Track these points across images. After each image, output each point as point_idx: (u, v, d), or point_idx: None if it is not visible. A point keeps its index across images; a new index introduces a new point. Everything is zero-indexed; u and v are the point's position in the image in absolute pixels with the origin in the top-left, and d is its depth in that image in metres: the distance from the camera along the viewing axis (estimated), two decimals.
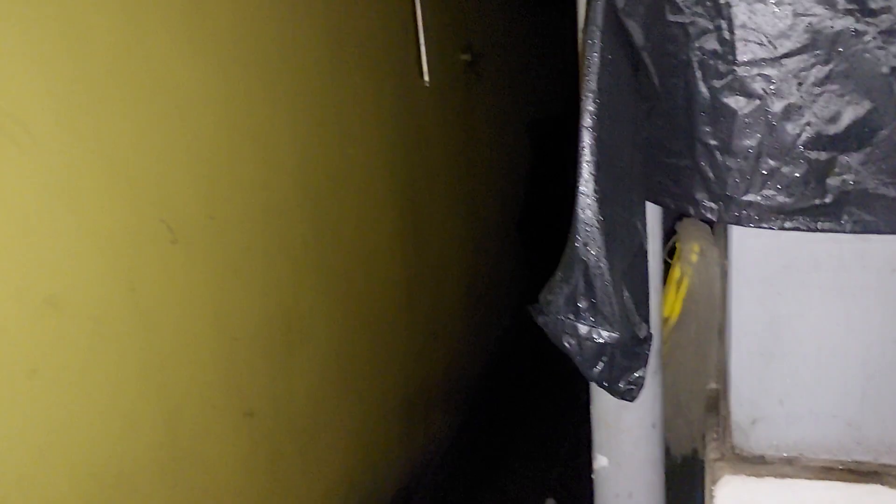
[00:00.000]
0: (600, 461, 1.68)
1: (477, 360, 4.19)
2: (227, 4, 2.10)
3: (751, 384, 1.38)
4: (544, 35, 5.01)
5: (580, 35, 1.26)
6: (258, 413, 2.28)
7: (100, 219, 1.70)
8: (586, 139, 1.16)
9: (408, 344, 3.32)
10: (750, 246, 1.30)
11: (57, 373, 1.60)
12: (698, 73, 1.12)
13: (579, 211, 1.18)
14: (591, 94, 1.14)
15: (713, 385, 1.78)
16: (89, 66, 1.67)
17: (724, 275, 1.48)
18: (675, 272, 1.78)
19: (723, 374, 1.54)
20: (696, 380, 1.83)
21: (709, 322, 1.77)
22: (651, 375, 1.53)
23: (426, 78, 1.83)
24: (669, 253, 1.77)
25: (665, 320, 1.75)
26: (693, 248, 1.76)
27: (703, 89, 1.12)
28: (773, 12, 1.05)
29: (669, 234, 1.78)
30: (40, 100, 1.56)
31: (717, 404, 1.65)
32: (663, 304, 1.69)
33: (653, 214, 1.47)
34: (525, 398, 4.39)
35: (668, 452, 1.81)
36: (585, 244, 1.18)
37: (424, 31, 1.76)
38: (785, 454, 1.39)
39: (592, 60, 1.13)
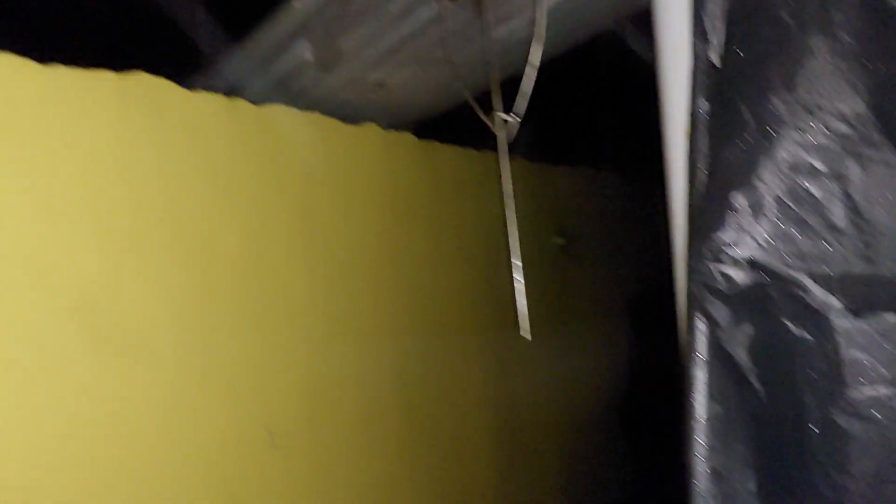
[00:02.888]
0: None
1: None
2: (336, 216, 2.27)
3: None
4: (639, 208, 5.10)
5: (684, 363, 1.28)
6: None
7: (204, 430, 1.78)
8: (699, 468, 1.15)
9: None
10: None
11: None
12: (808, 394, 1.09)
13: None
14: (699, 424, 1.15)
15: None
16: (210, 284, 1.82)
17: None
18: None
19: None
20: None
21: None
22: None
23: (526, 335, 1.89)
24: None
25: None
26: None
27: (815, 410, 1.09)
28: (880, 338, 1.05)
29: None
30: (163, 319, 1.70)
31: None
32: None
33: None
34: None
35: None
36: None
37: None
38: None
39: (698, 391, 1.14)
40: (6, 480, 1.39)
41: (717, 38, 1.20)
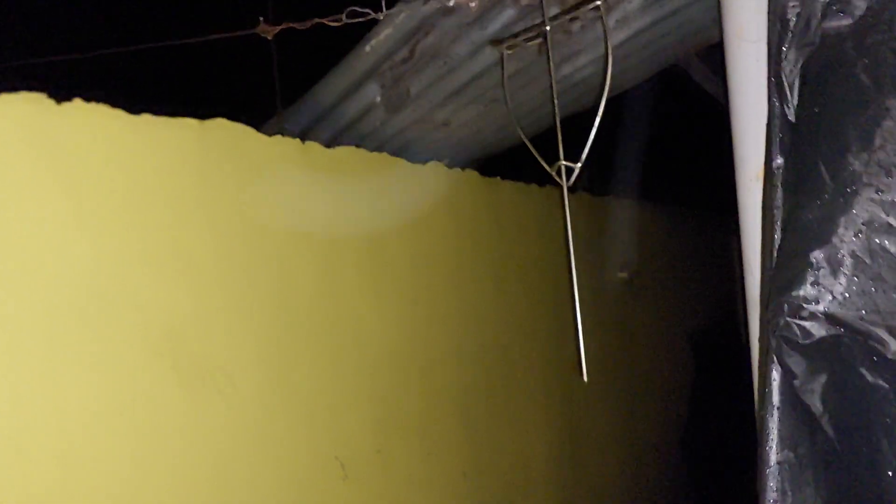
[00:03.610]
0: None
1: None
2: (404, 253, 2.33)
3: None
4: (705, 244, 5.04)
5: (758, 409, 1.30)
6: None
7: (284, 462, 1.84)
8: None
9: None
10: None
11: None
12: (885, 440, 1.09)
13: None
14: (772, 469, 1.16)
15: None
16: (288, 320, 1.89)
17: None
18: None
19: None
20: None
21: None
22: None
23: (585, 377, 1.91)
24: None
25: None
26: None
27: (891, 455, 1.09)
28: None
29: None
30: (246, 355, 1.77)
31: None
32: None
33: None
34: None
35: None
36: None
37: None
38: None
39: (771, 437, 1.16)
40: (105, 502, 1.46)
41: (793, 94, 1.23)
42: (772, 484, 1.16)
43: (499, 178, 2.95)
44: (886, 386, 1.07)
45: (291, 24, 1.70)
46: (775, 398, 1.16)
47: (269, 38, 1.71)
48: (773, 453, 1.16)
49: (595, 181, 4.43)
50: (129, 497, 1.51)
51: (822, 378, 1.14)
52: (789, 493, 1.17)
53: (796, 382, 1.16)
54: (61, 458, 1.40)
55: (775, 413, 1.16)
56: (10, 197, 1.39)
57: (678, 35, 2.42)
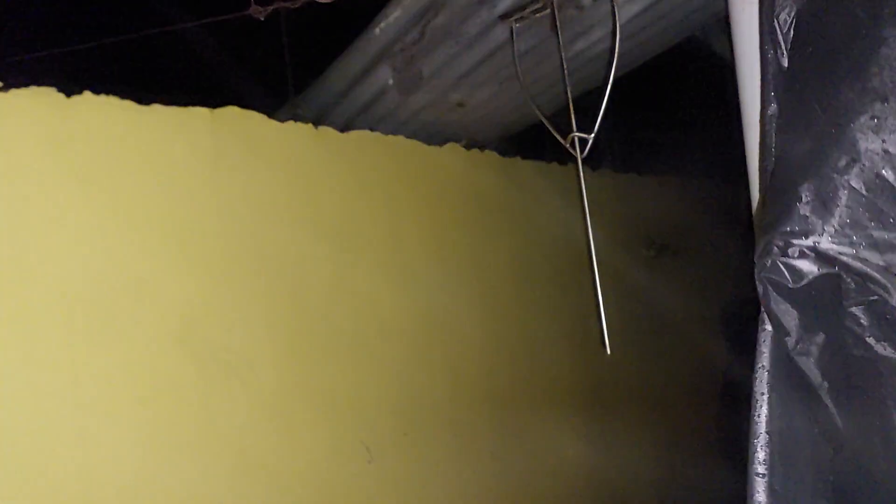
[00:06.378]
0: None
1: None
2: (423, 236, 2.32)
3: None
4: (731, 215, 4.95)
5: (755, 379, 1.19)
6: None
7: (305, 445, 1.85)
8: (759, 488, 1.06)
9: None
10: None
11: None
12: None
13: None
14: (760, 439, 1.06)
15: None
16: (304, 304, 1.89)
17: None
18: None
19: None
20: None
21: None
22: None
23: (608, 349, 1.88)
24: None
25: None
26: None
27: None
28: None
29: None
30: (264, 341, 1.78)
31: None
32: None
33: None
34: None
35: None
36: None
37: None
38: None
39: (760, 404, 1.07)
40: (125, 492, 1.48)
41: (787, 42, 1.17)
42: (759, 455, 1.06)
43: (518, 157, 2.92)
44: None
45: (283, 4, 1.68)
46: (765, 359, 1.07)
47: (262, 18, 1.69)
48: (763, 422, 1.06)
49: (619, 158, 4.38)
50: (151, 482, 1.53)
51: (819, 338, 1.04)
52: (778, 467, 1.06)
53: (789, 340, 1.05)
54: (83, 444, 1.42)
55: (765, 377, 1.06)
56: (26, 190, 1.40)
57: (695, 4, 2.37)
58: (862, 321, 1.00)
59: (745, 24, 1.32)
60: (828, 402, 1.03)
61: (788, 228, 1.00)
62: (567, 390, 3.07)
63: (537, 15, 1.92)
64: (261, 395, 1.76)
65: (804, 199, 1.00)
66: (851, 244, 0.98)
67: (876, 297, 0.97)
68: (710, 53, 3.37)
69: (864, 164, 0.98)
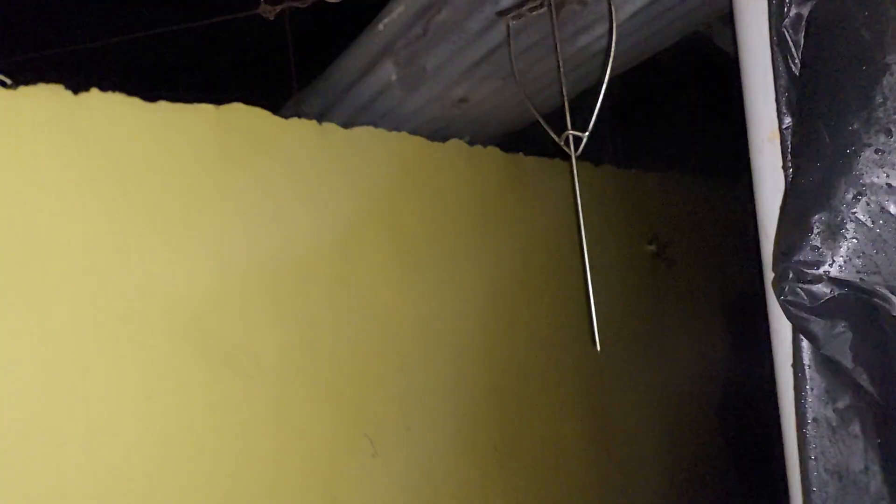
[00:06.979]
0: None
1: None
2: (426, 232, 2.33)
3: None
4: (734, 211, 4.96)
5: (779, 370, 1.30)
6: None
7: (309, 438, 1.87)
8: (813, 472, 1.17)
9: None
10: None
11: None
12: None
13: None
14: (810, 427, 1.17)
15: None
16: (308, 298, 1.91)
17: None
18: None
19: None
20: None
21: None
22: None
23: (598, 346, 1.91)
24: None
25: None
26: None
27: None
28: None
29: None
30: (269, 335, 1.79)
31: None
32: None
33: None
34: None
35: None
36: None
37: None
38: None
39: (808, 396, 1.17)
40: (133, 484, 1.50)
41: (798, 51, 1.21)
42: (812, 439, 1.17)
43: (521, 153, 2.94)
44: None
45: (293, 3, 1.70)
46: (806, 358, 1.17)
47: (271, 17, 1.71)
48: (810, 410, 1.17)
49: (620, 154, 4.38)
50: (156, 478, 1.55)
51: (845, 336, 1.14)
52: (829, 448, 1.18)
53: (819, 343, 1.16)
54: (90, 441, 1.44)
55: (807, 372, 1.17)
56: (33, 188, 1.42)
57: (697, 0, 2.38)
58: (874, 318, 1.10)
59: (750, 19, 1.34)
60: (864, 384, 1.15)
61: (801, 258, 1.10)
62: (572, 387, 3.09)
63: (534, 13, 1.93)
64: (266, 389, 1.78)
65: (815, 230, 1.10)
66: (857, 272, 1.08)
67: (880, 304, 1.08)
68: (715, 48, 3.38)
69: (870, 199, 1.07)
